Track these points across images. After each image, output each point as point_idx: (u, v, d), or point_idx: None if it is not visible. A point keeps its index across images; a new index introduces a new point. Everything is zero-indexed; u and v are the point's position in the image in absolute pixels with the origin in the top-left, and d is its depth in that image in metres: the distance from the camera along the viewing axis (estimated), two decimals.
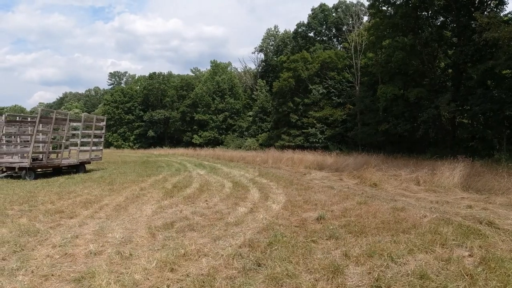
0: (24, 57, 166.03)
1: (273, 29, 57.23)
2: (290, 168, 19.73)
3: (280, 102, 40.07)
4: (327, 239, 5.59)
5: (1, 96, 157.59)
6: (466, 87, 21.62)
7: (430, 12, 24.03)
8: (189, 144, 50.63)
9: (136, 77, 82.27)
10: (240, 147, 43.23)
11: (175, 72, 75.78)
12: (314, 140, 36.06)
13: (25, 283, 3.99)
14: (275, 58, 52.25)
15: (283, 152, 25.81)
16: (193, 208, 7.99)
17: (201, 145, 47.57)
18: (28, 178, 13.45)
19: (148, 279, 4.07)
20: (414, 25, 23.68)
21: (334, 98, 37.65)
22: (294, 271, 4.20)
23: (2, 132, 14.19)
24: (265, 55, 57.00)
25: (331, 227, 6.23)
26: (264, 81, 51.74)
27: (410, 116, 25.42)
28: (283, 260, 4.56)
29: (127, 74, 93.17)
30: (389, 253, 4.80)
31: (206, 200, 9.03)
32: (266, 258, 4.63)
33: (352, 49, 36.43)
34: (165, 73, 65.61)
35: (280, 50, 53.14)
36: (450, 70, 24.81)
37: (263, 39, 57.08)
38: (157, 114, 58.71)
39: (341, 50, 42.70)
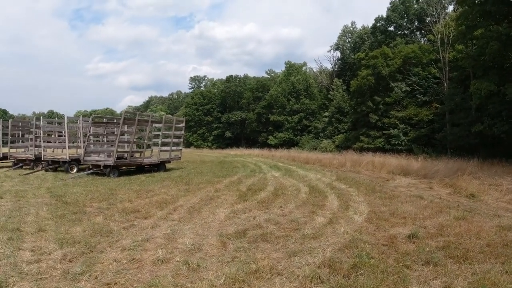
0: (115, 65, 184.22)
1: (349, 25, 54.74)
2: (370, 172, 18.30)
3: (358, 102, 38.04)
4: (423, 265, 4.62)
5: (95, 99, 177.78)
6: None
7: None
8: (265, 144, 50.82)
9: (214, 81, 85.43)
10: (316, 149, 42.06)
11: (251, 74, 77.15)
12: (396, 142, 33.50)
13: None
14: (352, 56, 49.90)
15: (362, 155, 24.24)
16: (267, 215, 7.47)
17: (276, 146, 47.40)
18: (112, 176, 14.27)
19: None
20: (508, 12, 20.44)
21: (419, 96, 34.55)
22: None
23: (90, 132, 15.35)
24: (342, 53, 54.83)
25: (427, 249, 5.19)
26: (341, 80, 49.74)
27: (508, 115, 22.05)
28: None
29: (206, 78, 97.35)
30: None
31: (281, 206, 8.45)
32: (350, 286, 3.88)
33: (439, 42, 33.01)
34: (241, 76, 67.04)
35: (358, 47, 50.61)
36: None
37: (339, 37, 54.98)
38: (234, 116, 60.13)
39: (425, 43, 39.16)
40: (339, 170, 19.70)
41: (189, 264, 4.49)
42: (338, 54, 55.77)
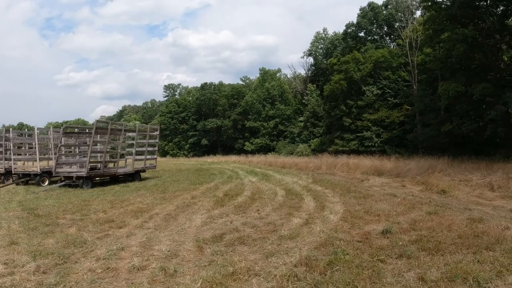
0: (87, 74, 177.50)
1: (322, 32, 55.95)
2: (345, 174, 18.68)
3: (332, 106, 38.81)
4: (397, 258, 4.78)
5: (66, 111, 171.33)
6: None
7: (489, 0, 21.69)
8: (241, 151, 50.80)
9: (189, 88, 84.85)
10: (292, 153, 42.48)
11: (226, 81, 77.18)
12: (369, 144, 34.35)
13: None
14: (325, 61, 50.93)
15: (337, 158, 24.71)
16: (244, 219, 7.51)
17: (253, 152, 47.47)
18: (85, 187, 13.92)
19: None
20: (474, 15, 21.48)
21: (390, 98, 35.68)
22: None
23: (61, 143, 14.95)
24: (315, 58, 55.86)
25: (400, 243, 5.38)
26: (314, 85, 50.63)
27: (475, 114, 23.06)
28: (347, 284, 3.87)
29: (180, 86, 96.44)
30: (475, 277, 3.96)
31: (258, 210, 8.51)
32: (326, 282, 3.96)
33: (407, 46, 34.25)
34: (216, 83, 66.91)
35: (330, 52, 51.73)
36: None
37: (311, 43, 56.02)
38: (210, 123, 59.86)
39: (394, 48, 40.53)
40: (315, 173, 20.00)
41: (165, 270, 4.46)
42: (311, 60, 56.86)
